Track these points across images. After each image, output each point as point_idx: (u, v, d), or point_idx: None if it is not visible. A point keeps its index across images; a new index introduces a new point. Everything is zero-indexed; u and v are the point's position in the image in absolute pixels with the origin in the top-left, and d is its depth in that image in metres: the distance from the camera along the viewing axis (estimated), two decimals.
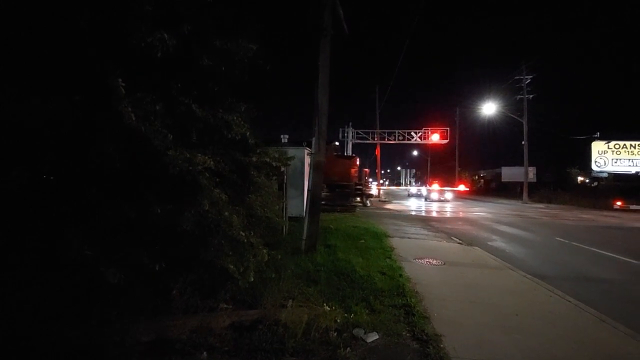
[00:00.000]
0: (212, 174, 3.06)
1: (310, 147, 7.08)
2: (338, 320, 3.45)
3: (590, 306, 4.42)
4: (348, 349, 3.01)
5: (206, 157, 2.87)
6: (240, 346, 2.95)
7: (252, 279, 3.27)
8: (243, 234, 3.03)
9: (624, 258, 7.75)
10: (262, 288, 3.86)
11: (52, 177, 2.99)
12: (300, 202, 9.67)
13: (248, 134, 3.71)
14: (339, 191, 17.95)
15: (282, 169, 6.60)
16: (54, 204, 2.78)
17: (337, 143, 21.28)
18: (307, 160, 9.86)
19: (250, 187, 3.92)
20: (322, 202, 17.64)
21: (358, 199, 18.77)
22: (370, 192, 24.21)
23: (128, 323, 2.95)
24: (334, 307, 3.77)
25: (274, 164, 4.53)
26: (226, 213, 2.97)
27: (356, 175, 18.48)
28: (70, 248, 2.55)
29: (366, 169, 20.96)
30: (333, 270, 5.22)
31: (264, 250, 3.33)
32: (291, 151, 8.75)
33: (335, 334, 3.22)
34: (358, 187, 18.45)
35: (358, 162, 19.39)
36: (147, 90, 2.89)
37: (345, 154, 23.14)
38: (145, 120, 2.74)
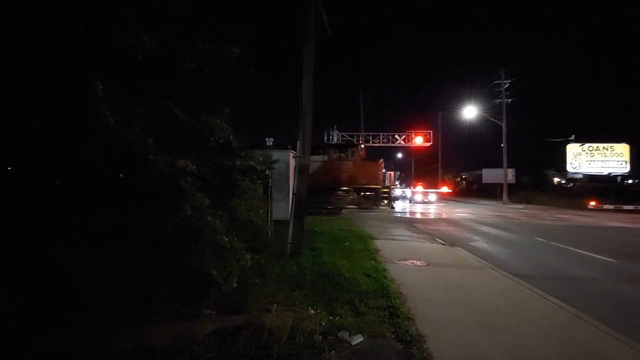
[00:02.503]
0: (194, 178, 3.02)
1: (296, 150, 7.07)
2: (323, 324, 3.45)
3: (568, 304, 4.57)
4: (333, 352, 3.01)
5: (188, 161, 2.84)
6: (223, 353, 2.90)
7: (236, 284, 3.23)
8: (226, 239, 3.00)
9: (600, 257, 8.07)
10: (246, 293, 3.81)
11: (26, 181, 2.87)
12: (285, 205, 9.62)
13: (232, 137, 3.68)
14: (365, 194, 18.09)
15: (267, 172, 6.58)
16: (28, 209, 2.67)
17: (362, 146, 20.99)
18: (293, 163, 9.84)
19: (234, 191, 3.88)
20: (352, 206, 17.66)
21: (385, 202, 18.83)
22: (397, 196, 24.11)
23: (107, 331, 2.86)
24: (319, 311, 3.76)
25: (258, 167, 4.51)
26: (209, 218, 2.93)
27: (382, 178, 18.56)
28: (61, 254, 2.47)
29: (391, 172, 20.74)
30: (318, 273, 5.22)
31: (248, 255, 3.30)
32: (276, 154, 8.73)
33: (320, 337, 3.22)
34: (385, 190, 18.54)
35: (383, 165, 19.46)
36: (127, 93, 2.83)
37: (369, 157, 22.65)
38: (125, 124, 2.68)
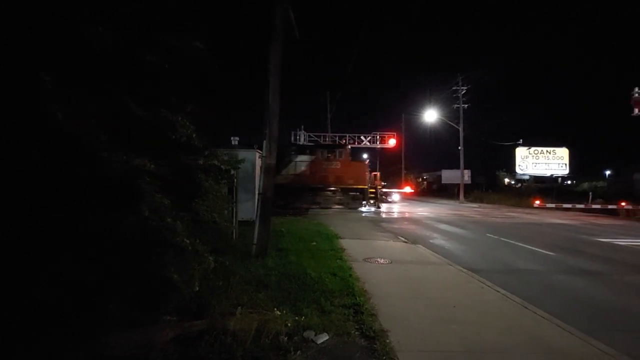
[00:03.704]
0: (153, 177, 2.88)
1: (262, 150, 6.99)
2: (289, 324, 3.44)
3: (515, 294, 4.97)
4: (298, 352, 3.02)
5: (146, 160, 2.70)
6: (185, 359, 2.80)
7: (198, 288, 3.13)
8: (188, 241, 2.89)
9: (542, 250, 8.85)
10: (209, 296, 3.70)
11: None
12: (251, 205, 9.46)
13: (194, 135, 3.56)
14: (352, 194, 18.25)
15: (232, 172, 6.43)
16: None
17: (349, 147, 21.01)
18: (259, 163, 9.70)
19: (196, 192, 3.75)
20: (339, 206, 17.59)
21: (372, 201, 18.97)
22: (394, 197, 24.36)
23: (57, 343, 2.64)
24: (284, 311, 3.75)
25: (223, 167, 4.41)
26: (169, 219, 2.81)
27: (368, 178, 18.70)
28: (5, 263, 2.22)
29: (377, 172, 20.92)
30: (284, 274, 5.20)
31: (211, 258, 3.21)
32: (242, 154, 8.56)
33: (285, 338, 3.21)
34: (372, 190, 18.67)
35: (369, 165, 19.67)
36: (79, 86, 2.63)
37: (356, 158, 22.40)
38: (75, 119, 2.49)
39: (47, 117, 2.33)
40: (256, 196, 7.44)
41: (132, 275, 2.96)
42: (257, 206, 6.65)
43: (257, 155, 10.37)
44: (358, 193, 18.36)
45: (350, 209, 18.40)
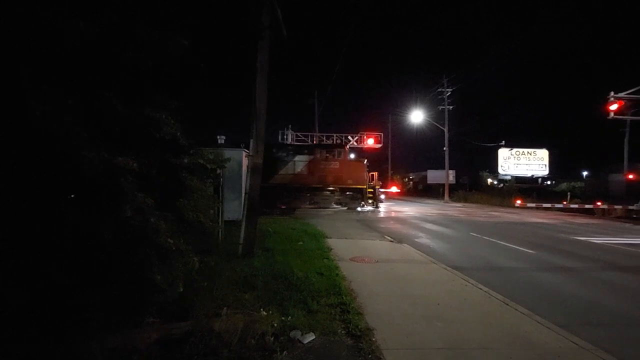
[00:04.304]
0: (136, 176, 2.81)
1: (249, 149, 6.93)
2: (275, 325, 3.43)
3: (497, 292, 5.10)
4: (285, 352, 3.02)
5: (129, 159, 2.63)
6: None
7: (182, 289, 3.07)
8: (171, 241, 2.84)
9: (522, 249, 9.11)
10: (193, 297, 3.65)
11: None
12: (237, 205, 9.36)
13: (179, 133, 3.50)
14: (350, 194, 18.22)
15: (218, 171, 6.34)
16: None
17: (348, 146, 20.90)
18: (246, 162, 9.60)
19: (181, 191, 3.69)
20: (338, 206, 17.42)
21: (370, 201, 18.98)
22: (381, 197, 24.36)
23: (33, 349, 2.54)
24: (271, 312, 3.74)
25: (208, 166, 4.35)
26: (152, 219, 2.75)
27: (367, 178, 18.73)
28: None
29: (374, 172, 20.82)
30: (271, 274, 5.17)
31: (195, 258, 3.16)
32: (228, 153, 8.43)
33: (272, 338, 3.20)
34: (370, 190, 18.67)
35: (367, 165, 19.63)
36: (59, 83, 2.55)
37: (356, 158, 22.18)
38: (54, 116, 2.41)
39: (24, 114, 2.25)
40: (243, 196, 7.36)
41: (113, 276, 2.89)
42: (244, 206, 6.59)
43: (244, 154, 10.26)
44: (357, 193, 18.42)
45: (349, 209, 18.45)
